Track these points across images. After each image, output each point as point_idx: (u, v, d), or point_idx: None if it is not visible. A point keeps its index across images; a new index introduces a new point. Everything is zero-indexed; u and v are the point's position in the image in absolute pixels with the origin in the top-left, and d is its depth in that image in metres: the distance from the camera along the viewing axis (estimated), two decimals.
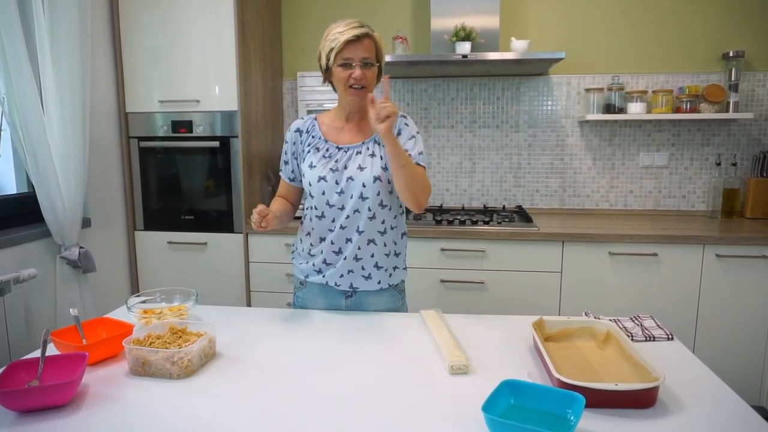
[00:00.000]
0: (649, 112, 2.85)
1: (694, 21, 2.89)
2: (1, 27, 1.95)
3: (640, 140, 2.99)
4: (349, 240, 1.60)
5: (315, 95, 3.13)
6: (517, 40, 2.73)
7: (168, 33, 2.66)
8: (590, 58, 2.98)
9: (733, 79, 2.80)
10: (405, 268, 1.71)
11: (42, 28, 2.14)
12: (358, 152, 1.58)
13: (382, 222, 1.60)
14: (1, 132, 2.21)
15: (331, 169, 1.57)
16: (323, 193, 1.58)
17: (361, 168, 1.56)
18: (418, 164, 1.56)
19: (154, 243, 2.81)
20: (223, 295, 2.77)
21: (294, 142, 1.65)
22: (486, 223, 2.60)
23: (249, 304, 2.78)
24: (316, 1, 3.12)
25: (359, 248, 1.60)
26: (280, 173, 1.73)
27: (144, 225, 2.82)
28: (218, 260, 2.77)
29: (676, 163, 2.99)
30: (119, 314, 1.58)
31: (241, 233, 2.74)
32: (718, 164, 2.91)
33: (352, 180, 1.56)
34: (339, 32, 1.48)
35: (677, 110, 2.83)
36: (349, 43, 1.47)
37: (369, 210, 1.57)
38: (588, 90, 2.91)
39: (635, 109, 2.82)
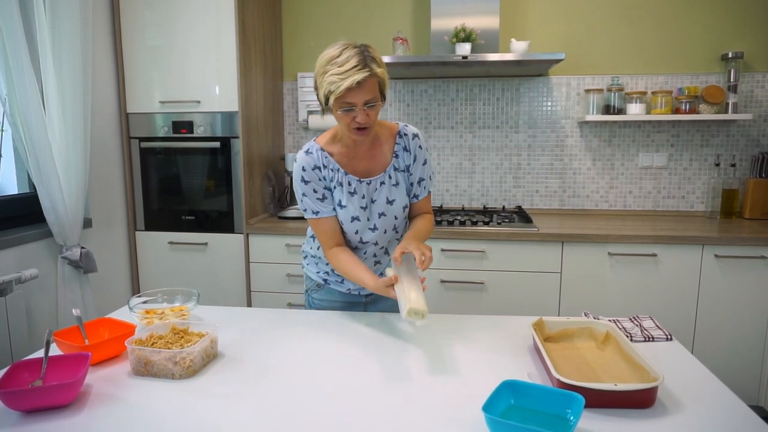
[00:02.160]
0: (648, 112, 2.86)
1: (694, 22, 2.89)
2: (2, 27, 1.96)
3: (639, 141, 3.00)
4: (378, 263, 1.66)
5: (315, 95, 3.13)
6: (517, 41, 2.73)
7: (168, 33, 2.66)
8: (590, 59, 2.98)
9: (732, 80, 2.81)
10: None
11: (43, 28, 2.15)
12: (382, 183, 1.55)
13: (402, 233, 1.69)
14: (3, 132, 2.21)
15: (361, 207, 1.54)
16: (356, 232, 1.56)
17: (389, 201, 1.56)
18: (428, 191, 1.62)
19: (154, 243, 2.82)
20: (224, 296, 2.77)
21: (320, 179, 1.52)
22: (486, 223, 2.61)
23: (249, 305, 2.79)
24: (316, 2, 3.12)
25: (384, 265, 1.67)
26: (317, 215, 1.53)
27: (145, 225, 2.83)
28: (219, 260, 2.78)
29: (676, 164, 3.00)
30: (121, 314, 1.59)
31: (241, 233, 2.74)
32: (717, 165, 2.92)
33: (384, 216, 1.57)
34: (338, 76, 1.32)
35: (676, 111, 2.83)
36: (350, 89, 1.33)
37: (396, 232, 1.63)
38: (587, 91, 2.92)
39: (635, 110, 2.82)
